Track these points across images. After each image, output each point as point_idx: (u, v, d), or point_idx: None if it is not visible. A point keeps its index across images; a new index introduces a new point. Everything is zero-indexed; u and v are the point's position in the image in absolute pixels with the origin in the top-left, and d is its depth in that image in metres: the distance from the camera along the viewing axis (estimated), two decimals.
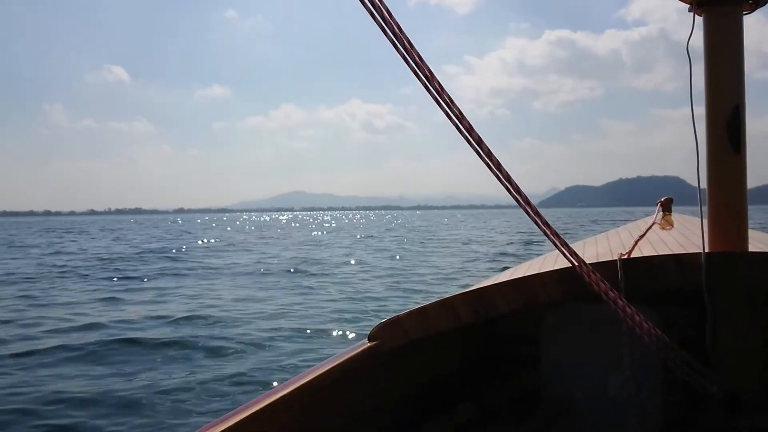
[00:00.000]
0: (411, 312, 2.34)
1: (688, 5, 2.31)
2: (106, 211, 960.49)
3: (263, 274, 21.13)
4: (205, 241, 45.59)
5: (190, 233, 61.29)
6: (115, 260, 27.13)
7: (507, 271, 3.28)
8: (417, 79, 1.72)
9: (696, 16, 2.30)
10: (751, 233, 2.41)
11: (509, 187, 1.82)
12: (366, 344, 2.31)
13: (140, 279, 20.20)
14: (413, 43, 1.68)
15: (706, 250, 2.18)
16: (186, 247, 36.55)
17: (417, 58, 1.69)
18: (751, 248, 2.28)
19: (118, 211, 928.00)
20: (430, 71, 1.71)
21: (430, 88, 1.73)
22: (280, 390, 1.86)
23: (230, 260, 26.77)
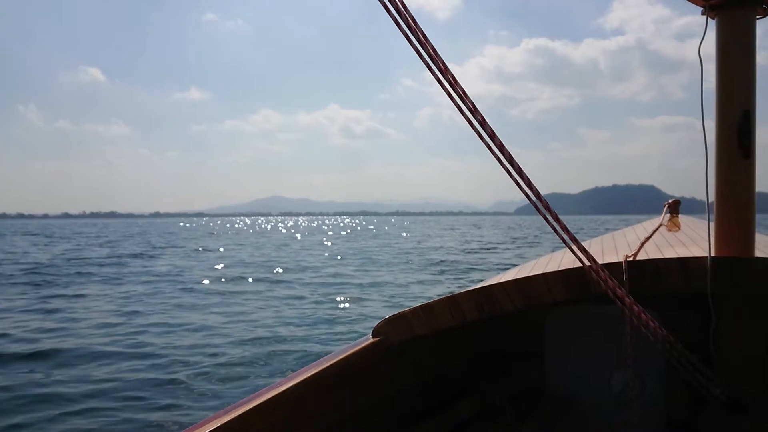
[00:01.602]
0: (416, 308, 2.34)
1: (701, 8, 2.30)
2: (81, 214, 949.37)
3: None
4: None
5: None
6: None
7: (512, 270, 3.28)
8: (430, 73, 1.71)
9: (709, 19, 2.29)
10: (758, 238, 2.41)
11: (520, 181, 1.83)
12: (370, 339, 2.30)
13: None
14: (428, 36, 1.67)
15: (713, 255, 2.17)
16: None
17: (431, 51, 1.68)
18: (758, 254, 2.27)
19: (93, 215, 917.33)
20: (444, 64, 1.70)
21: (443, 81, 1.72)
22: (282, 384, 1.86)
23: None
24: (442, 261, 28.07)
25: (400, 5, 1.62)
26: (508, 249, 37.12)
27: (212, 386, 8.26)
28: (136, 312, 14.38)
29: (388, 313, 2.37)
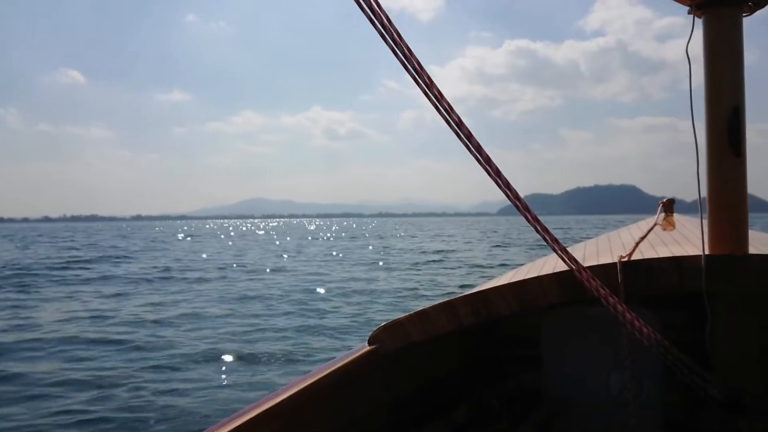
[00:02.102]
0: (412, 315, 2.34)
1: (688, 8, 2.31)
2: (61, 217, 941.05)
3: None
4: None
5: None
6: None
7: (507, 274, 3.27)
8: (416, 86, 1.71)
9: (695, 18, 2.30)
10: (751, 234, 2.41)
11: (509, 193, 1.82)
12: (366, 348, 2.30)
13: None
14: (412, 50, 1.68)
15: (706, 253, 2.19)
16: None
17: (416, 65, 1.69)
18: (752, 250, 2.27)
19: (74, 218, 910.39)
20: (429, 78, 1.71)
21: (429, 94, 1.73)
22: (278, 395, 1.85)
23: None
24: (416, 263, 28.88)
25: (385, 20, 1.62)
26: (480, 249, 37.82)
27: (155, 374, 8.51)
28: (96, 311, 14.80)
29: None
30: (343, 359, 2.17)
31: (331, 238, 61.84)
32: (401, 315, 2.37)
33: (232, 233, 79.61)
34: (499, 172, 1.79)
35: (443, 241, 50.43)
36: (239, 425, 1.65)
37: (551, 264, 2.69)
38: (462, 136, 1.76)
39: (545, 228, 1.89)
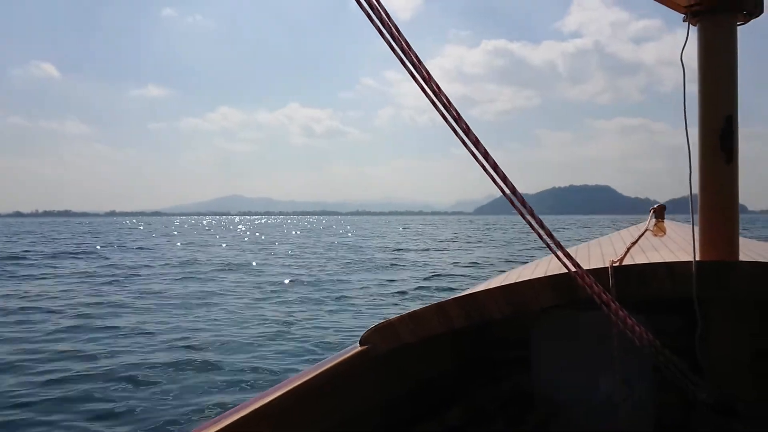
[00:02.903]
0: (403, 316, 2.34)
1: (683, 15, 2.34)
2: (33, 213, 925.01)
3: None
4: None
5: None
6: None
7: (500, 276, 3.27)
8: (414, 81, 1.71)
9: (690, 26, 2.33)
10: (742, 241, 2.44)
11: (505, 189, 1.83)
12: (357, 348, 2.29)
13: None
14: (411, 45, 1.67)
15: (697, 259, 2.20)
16: None
17: (414, 59, 1.67)
18: (742, 257, 2.30)
19: (46, 213, 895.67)
20: (427, 72, 1.70)
21: (427, 89, 1.73)
22: (268, 395, 1.85)
23: None
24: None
25: (383, 15, 1.61)
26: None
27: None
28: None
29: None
30: (333, 360, 2.16)
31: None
32: (393, 316, 2.37)
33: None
34: (497, 166, 1.79)
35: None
36: (227, 425, 1.64)
37: (543, 266, 2.71)
38: (459, 130, 1.76)
39: (541, 223, 1.89)
